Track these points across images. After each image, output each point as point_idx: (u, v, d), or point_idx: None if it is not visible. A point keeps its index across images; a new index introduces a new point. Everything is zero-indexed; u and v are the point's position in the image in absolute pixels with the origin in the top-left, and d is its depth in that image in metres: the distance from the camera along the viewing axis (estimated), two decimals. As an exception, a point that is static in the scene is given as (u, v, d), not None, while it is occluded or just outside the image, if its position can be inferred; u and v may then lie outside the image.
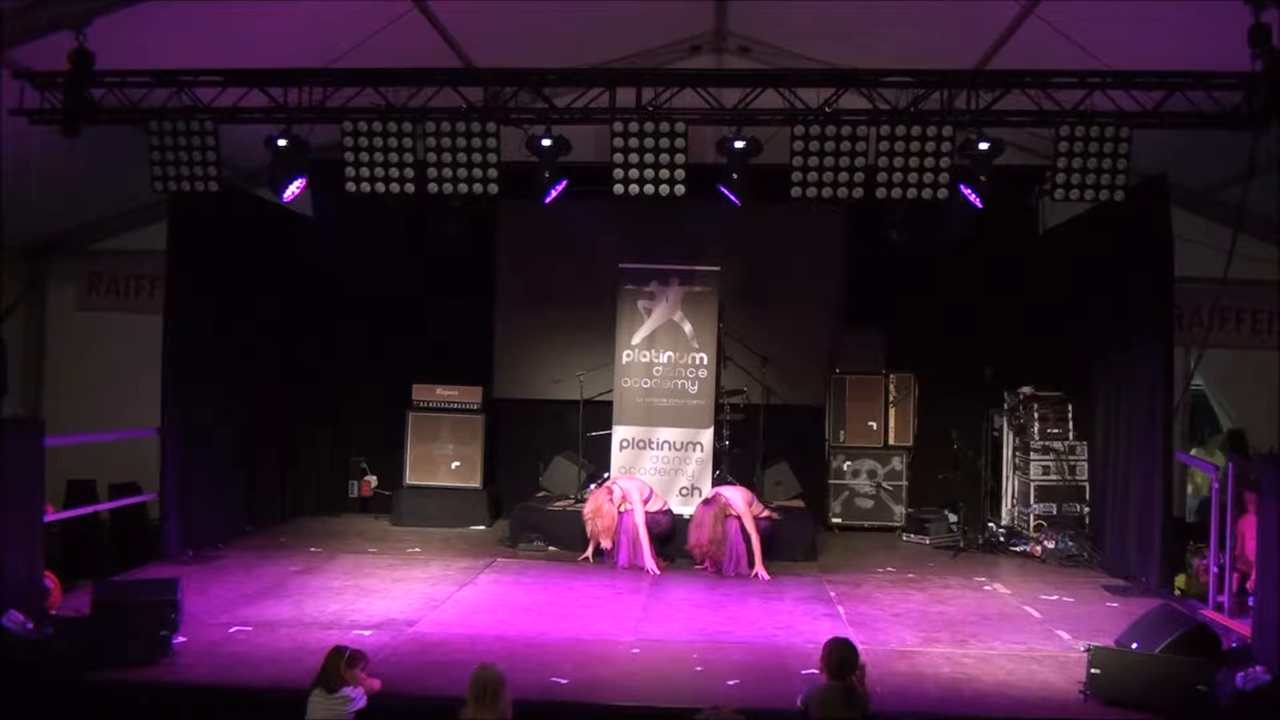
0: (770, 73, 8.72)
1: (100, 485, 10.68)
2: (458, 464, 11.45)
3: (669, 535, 9.75)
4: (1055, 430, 10.78)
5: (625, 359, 10.73)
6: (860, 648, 5.65)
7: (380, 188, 8.10)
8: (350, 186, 8.12)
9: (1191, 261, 9.03)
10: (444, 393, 11.55)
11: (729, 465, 10.83)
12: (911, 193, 7.83)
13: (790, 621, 7.75)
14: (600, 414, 11.03)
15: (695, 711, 4.93)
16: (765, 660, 6.77)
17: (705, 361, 10.64)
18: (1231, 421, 11.34)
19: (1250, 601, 7.48)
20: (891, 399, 11.58)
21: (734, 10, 9.77)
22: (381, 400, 11.82)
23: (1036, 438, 10.78)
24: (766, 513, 9.71)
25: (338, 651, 5.65)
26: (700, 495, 10.10)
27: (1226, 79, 7.47)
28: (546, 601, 8.19)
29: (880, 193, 7.88)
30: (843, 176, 7.81)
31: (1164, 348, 8.87)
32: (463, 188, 8.03)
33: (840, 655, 5.47)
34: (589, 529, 9.55)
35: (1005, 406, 11.37)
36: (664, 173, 7.85)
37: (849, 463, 11.51)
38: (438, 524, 11.14)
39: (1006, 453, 11.42)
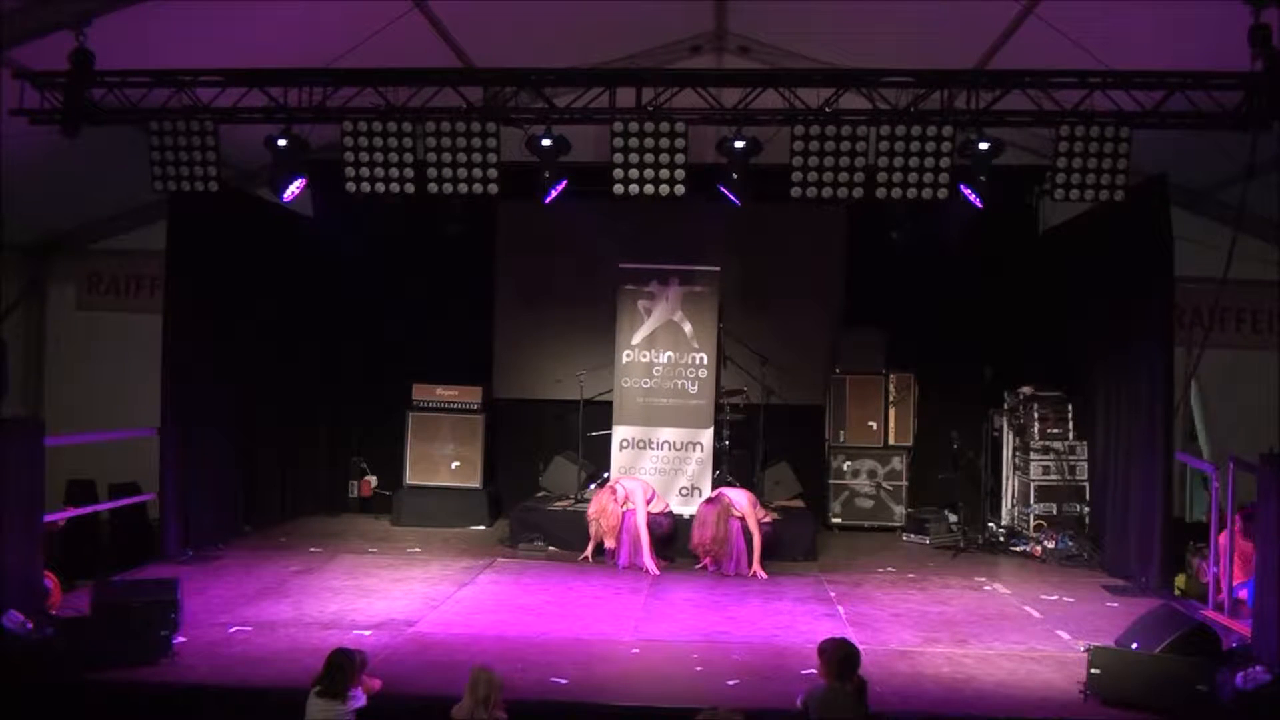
0: (770, 73, 8.71)
1: (100, 485, 10.67)
2: (458, 464, 11.44)
3: (670, 537, 9.75)
4: (1055, 430, 10.77)
5: (625, 359, 10.73)
6: (860, 648, 5.64)
7: (380, 188, 8.09)
8: (350, 186, 8.11)
9: (1191, 261, 9.03)
10: (444, 393, 11.54)
11: (729, 465, 10.83)
12: (911, 193, 7.82)
13: (790, 621, 7.75)
14: (600, 414, 11.03)
15: (695, 711, 4.94)
16: (765, 660, 6.77)
17: (705, 361, 10.64)
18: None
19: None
20: (891, 399, 11.57)
21: (734, 10, 9.76)
22: (381, 400, 11.83)
23: (1036, 438, 10.77)
24: (769, 517, 9.71)
25: (348, 655, 5.59)
26: (700, 495, 10.12)
27: (1226, 79, 7.45)
28: (546, 601, 8.20)
29: (880, 193, 7.87)
30: (843, 176, 7.80)
31: (1164, 348, 8.88)
32: (463, 188, 8.02)
33: (841, 656, 5.47)
34: (593, 529, 9.54)
35: (1005, 406, 11.36)
36: (664, 173, 7.84)
37: (849, 463, 11.50)
38: (438, 524, 11.13)
39: (1006, 453, 11.41)
